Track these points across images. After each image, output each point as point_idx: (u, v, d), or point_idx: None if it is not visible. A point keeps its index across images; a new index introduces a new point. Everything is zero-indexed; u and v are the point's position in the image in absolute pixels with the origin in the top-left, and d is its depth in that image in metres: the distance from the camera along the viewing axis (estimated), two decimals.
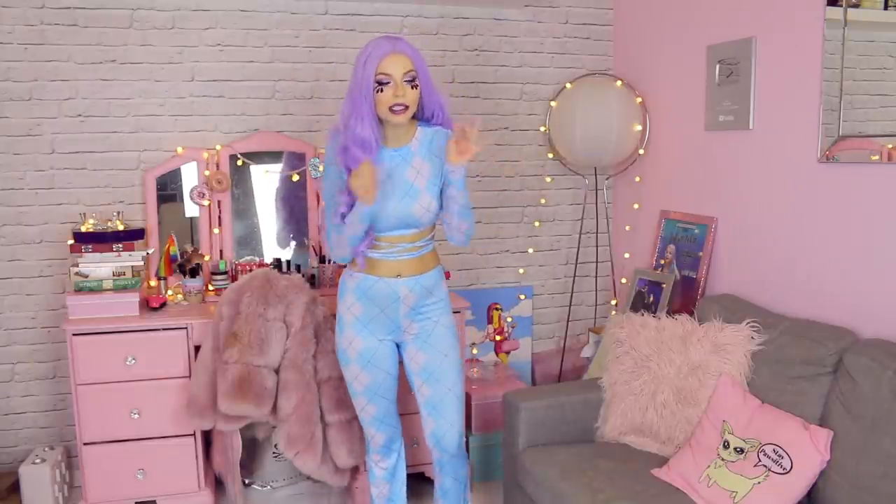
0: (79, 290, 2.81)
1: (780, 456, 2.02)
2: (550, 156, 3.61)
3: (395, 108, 2.12)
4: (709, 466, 2.13)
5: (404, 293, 2.29)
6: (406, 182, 2.22)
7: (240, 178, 3.22)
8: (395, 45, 2.11)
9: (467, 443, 3.14)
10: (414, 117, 2.25)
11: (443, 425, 2.36)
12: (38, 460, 2.92)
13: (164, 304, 2.91)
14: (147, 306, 2.88)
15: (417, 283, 2.30)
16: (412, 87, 2.13)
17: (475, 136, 2.11)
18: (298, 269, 3.17)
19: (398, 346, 2.40)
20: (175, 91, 3.15)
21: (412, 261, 2.29)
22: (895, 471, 1.87)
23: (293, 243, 3.32)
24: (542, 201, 3.65)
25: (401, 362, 2.43)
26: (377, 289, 2.28)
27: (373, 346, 2.33)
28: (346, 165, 2.16)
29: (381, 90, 2.10)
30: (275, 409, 2.63)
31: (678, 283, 3.06)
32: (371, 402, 2.38)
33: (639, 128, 3.32)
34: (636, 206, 3.50)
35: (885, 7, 2.20)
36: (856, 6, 2.25)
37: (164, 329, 2.73)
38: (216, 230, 3.19)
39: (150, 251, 3.05)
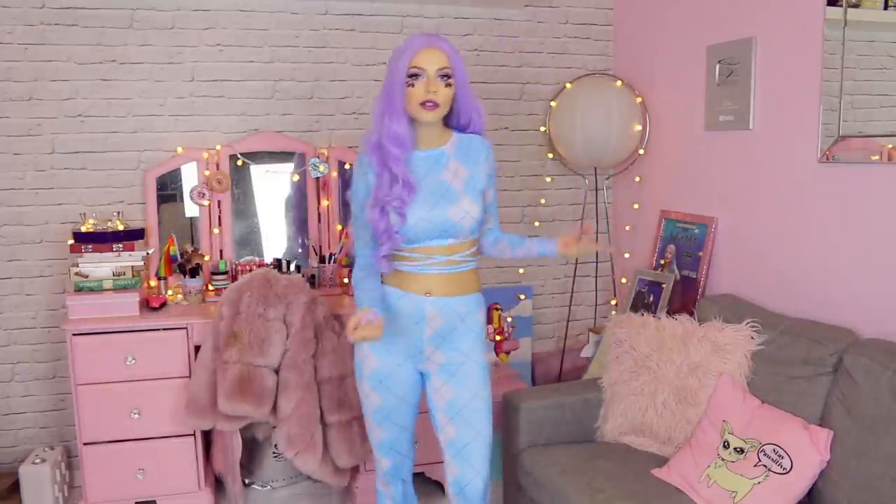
0: (79, 290, 2.81)
1: (780, 456, 2.02)
2: (550, 156, 3.60)
3: (426, 104, 1.98)
4: (709, 466, 2.13)
5: (431, 314, 2.07)
6: (441, 184, 2.05)
7: (240, 178, 3.22)
8: (432, 40, 2.00)
9: None
10: (448, 125, 2.12)
11: (468, 473, 2.09)
12: (38, 460, 2.91)
13: (164, 304, 2.91)
14: (147, 306, 2.88)
15: (448, 306, 2.08)
16: (446, 86, 1.99)
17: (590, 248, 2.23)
18: (298, 269, 3.17)
19: (422, 375, 2.17)
20: (175, 91, 3.15)
21: (446, 277, 2.07)
22: (895, 471, 1.87)
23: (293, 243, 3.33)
24: (542, 201, 3.64)
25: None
26: (401, 305, 2.08)
27: (388, 368, 2.12)
28: (384, 164, 2.01)
29: (413, 85, 1.97)
30: (275, 409, 2.63)
31: (678, 283, 3.06)
32: (380, 425, 2.18)
33: (639, 128, 3.32)
34: (636, 206, 3.50)
35: (885, 7, 2.20)
36: (856, 6, 2.25)
37: (164, 329, 2.73)
38: (216, 230, 3.19)
39: (150, 251, 3.05)
